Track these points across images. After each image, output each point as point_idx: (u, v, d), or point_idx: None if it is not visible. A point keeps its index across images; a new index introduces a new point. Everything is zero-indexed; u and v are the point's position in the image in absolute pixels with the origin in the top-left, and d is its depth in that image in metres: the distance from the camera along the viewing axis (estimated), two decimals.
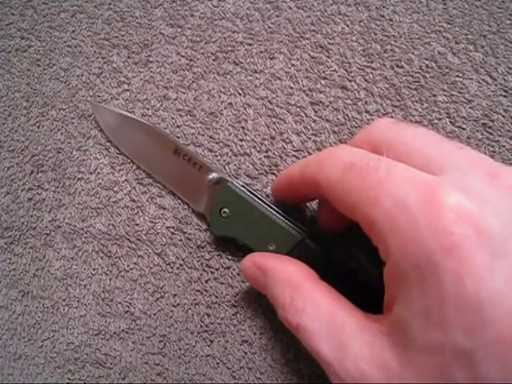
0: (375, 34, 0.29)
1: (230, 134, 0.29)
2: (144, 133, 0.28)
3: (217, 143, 0.29)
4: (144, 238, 0.28)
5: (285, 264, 0.22)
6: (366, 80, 0.29)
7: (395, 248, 0.16)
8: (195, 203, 0.27)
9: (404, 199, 0.16)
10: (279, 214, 0.25)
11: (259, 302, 0.26)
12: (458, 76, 0.28)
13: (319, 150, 0.28)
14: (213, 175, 0.26)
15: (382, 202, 0.16)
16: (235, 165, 0.28)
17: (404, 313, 0.16)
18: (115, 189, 0.29)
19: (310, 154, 0.28)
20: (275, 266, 0.22)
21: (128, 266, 0.28)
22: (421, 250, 0.15)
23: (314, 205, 0.27)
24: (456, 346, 0.14)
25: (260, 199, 0.25)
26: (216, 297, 0.27)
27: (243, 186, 0.26)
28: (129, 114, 0.29)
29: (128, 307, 0.27)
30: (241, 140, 0.29)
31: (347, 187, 0.18)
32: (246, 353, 0.26)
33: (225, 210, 0.25)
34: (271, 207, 0.25)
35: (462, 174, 0.17)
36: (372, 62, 0.29)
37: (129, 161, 0.29)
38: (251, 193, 0.25)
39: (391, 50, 0.29)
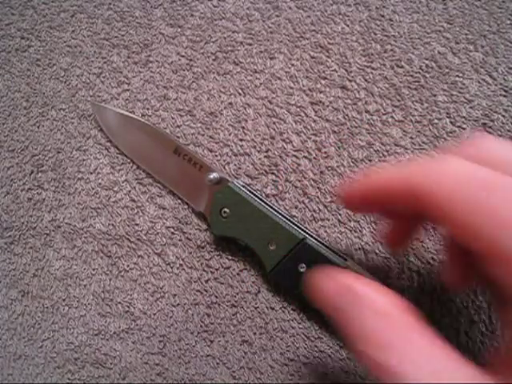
0: (375, 33, 0.29)
1: (229, 134, 0.29)
2: (144, 132, 0.28)
3: (217, 143, 0.29)
4: (144, 237, 0.28)
5: (379, 292, 0.19)
6: (365, 80, 0.29)
7: None
8: (195, 203, 0.27)
9: None
10: (279, 213, 0.25)
11: (259, 302, 0.26)
12: (458, 76, 0.28)
13: (319, 149, 0.28)
14: (213, 175, 0.26)
15: None
16: (235, 165, 0.28)
17: None
18: (115, 189, 0.29)
19: (310, 153, 0.28)
20: (368, 293, 0.19)
21: (128, 265, 0.28)
22: None
23: (314, 205, 0.27)
24: None
25: (260, 199, 0.25)
26: (216, 297, 0.27)
27: (243, 186, 0.26)
28: (129, 114, 0.29)
29: (128, 307, 0.27)
30: (241, 140, 0.29)
31: (473, 206, 0.16)
32: (245, 353, 0.26)
33: (225, 209, 0.25)
34: (271, 207, 0.25)
35: None
36: (372, 62, 0.29)
37: (129, 161, 0.29)
38: (251, 193, 0.25)
39: (391, 50, 0.29)
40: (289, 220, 0.24)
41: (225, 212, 0.25)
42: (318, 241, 0.24)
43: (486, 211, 0.15)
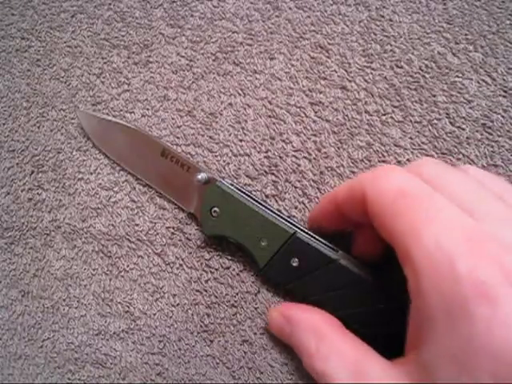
0: (375, 34, 0.29)
1: (229, 135, 0.29)
2: (130, 136, 0.29)
3: (217, 143, 0.29)
4: (144, 238, 0.28)
5: (310, 313, 0.23)
6: (365, 80, 0.29)
7: (428, 289, 0.16)
8: (185, 204, 0.27)
9: (447, 243, 0.16)
10: (269, 210, 0.25)
11: (259, 302, 0.26)
12: (457, 76, 0.28)
13: (319, 150, 0.28)
14: (201, 175, 0.26)
15: (425, 239, 0.16)
16: (235, 165, 0.28)
17: (432, 357, 0.16)
18: (115, 189, 0.29)
19: (309, 154, 0.28)
20: (300, 316, 0.23)
21: (128, 266, 0.28)
22: (456, 296, 0.15)
23: (314, 205, 0.27)
24: None
25: (249, 196, 0.25)
26: (216, 297, 0.27)
27: (232, 185, 0.26)
28: (114, 119, 0.29)
29: (128, 307, 0.27)
30: (241, 140, 0.29)
31: (395, 213, 0.18)
32: (245, 353, 0.26)
33: (215, 209, 0.26)
34: (261, 204, 0.25)
35: (500, 225, 0.17)
36: (372, 63, 0.29)
37: None
38: (240, 191, 0.25)
39: (391, 50, 0.29)
40: (279, 215, 0.25)
41: (215, 211, 0.26)
42: (309, 234, 0.24)
43: (400, 219, 0.18)
